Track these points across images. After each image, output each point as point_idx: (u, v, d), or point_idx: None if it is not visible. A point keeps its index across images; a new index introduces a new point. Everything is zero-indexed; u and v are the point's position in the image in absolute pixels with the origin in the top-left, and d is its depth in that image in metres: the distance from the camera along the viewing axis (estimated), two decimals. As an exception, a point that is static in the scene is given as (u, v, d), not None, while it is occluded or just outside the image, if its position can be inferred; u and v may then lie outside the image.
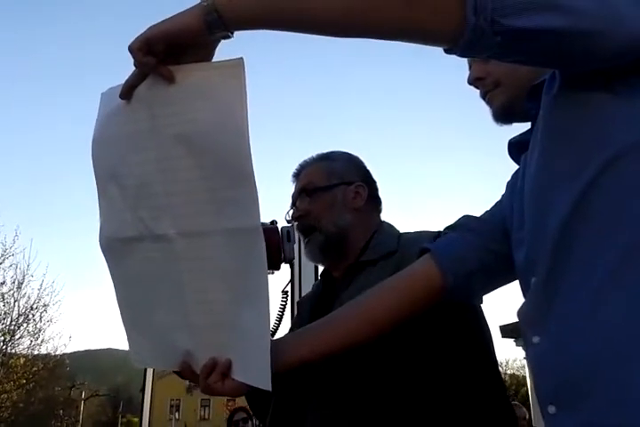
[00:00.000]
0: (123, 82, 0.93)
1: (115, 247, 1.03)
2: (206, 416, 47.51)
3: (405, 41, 0.83)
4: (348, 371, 1.16)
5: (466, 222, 1.17)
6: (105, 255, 1.06)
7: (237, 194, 0.90)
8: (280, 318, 1.46)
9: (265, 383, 0.91)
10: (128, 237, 0.99)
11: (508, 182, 1.14)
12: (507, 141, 1.09)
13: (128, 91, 0.93)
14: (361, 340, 1.07)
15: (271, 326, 1.35)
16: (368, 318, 1.07)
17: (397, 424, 1.11)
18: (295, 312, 1.54)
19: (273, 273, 1.36)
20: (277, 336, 1.41)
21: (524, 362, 13.58)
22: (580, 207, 0.80)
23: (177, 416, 36.82)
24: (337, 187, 1.41)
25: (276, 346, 0.99)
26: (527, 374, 13.06)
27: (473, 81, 1.08)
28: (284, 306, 1.45)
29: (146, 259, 0.99)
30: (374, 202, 1.47)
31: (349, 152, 1.52)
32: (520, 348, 13.18)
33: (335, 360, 1.07)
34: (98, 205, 1.04)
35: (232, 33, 0.86)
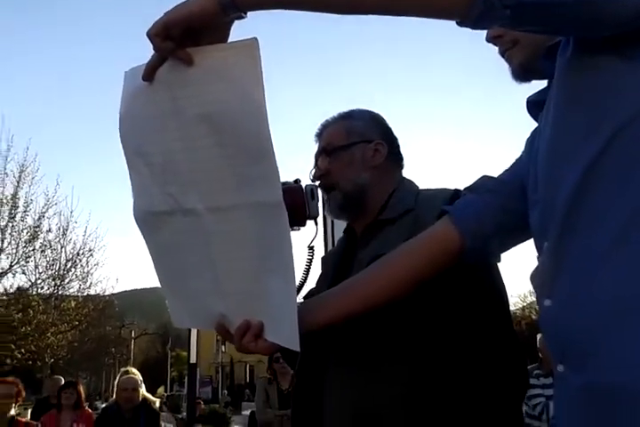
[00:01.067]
0: (145, 62, 0.97)
1: (148, 220, 1.10)
2: (251, 349, 49.40)
3: (417, 16, 0.84)
4: (367, 328, 1.22)
5: (484, 184, 1.19)
6: (140, 227, 1.13)
7: (258, 170, 0.94)
8: (307, 273, 1.51)
9: (294, 344, 0.98)
10: (160, 211, 1.06)
11: (528, 139, 1.14)
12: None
13: (150, 73, 0.97)
14: (382, 302, 1.13)
15: (298, 280, 1.41)
16: (388, 280, 1.12)
17: (411, 377, 1.17)
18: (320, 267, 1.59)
19: (299, 229, 1.41)
20: (305, 289, 1.48)
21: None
22: (591, 173, 0.82)
23: (223, 349, 38.29)
24: (356, 145, 1.42)
25: (303, 308, 1.06)
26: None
27: (491, 38, 1.07)
28: (311, 261, 1.50)
29: (177, 231, 1.06)
30: (395, 159, 1.47)
31: (370, 110, 1.52)
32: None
33: (355, 320, 1.13)
34: (130, 179, 1.10)
35: (245, 13, 0.89)
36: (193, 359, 11.50)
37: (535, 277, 0.94)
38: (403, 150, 1.51)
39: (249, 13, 0.90)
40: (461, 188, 1.25)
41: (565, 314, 0.84)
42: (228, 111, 0.93)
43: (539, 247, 0.94)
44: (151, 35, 0.90)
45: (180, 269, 1.11)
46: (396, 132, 1.51)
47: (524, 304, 28.16)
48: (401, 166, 1.50)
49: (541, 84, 1.06)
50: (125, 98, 1.06)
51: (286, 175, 1.31)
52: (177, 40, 0.91)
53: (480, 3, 0.76)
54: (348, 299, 1.13)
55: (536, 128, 1.09)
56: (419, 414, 1.15)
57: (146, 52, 0.95)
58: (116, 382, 5.20)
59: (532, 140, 1.08)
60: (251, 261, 1.01)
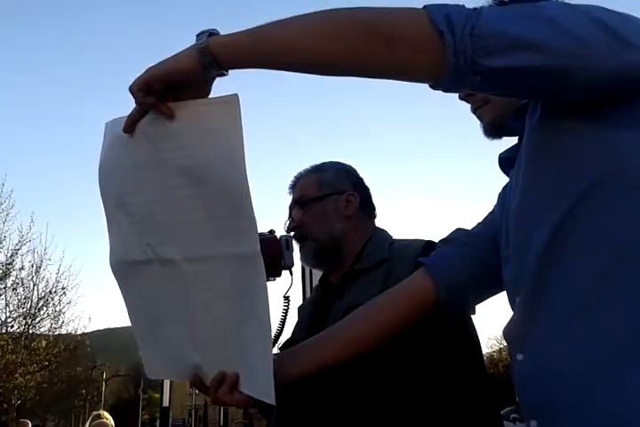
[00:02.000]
0: (126, 114, 0.99)
1: (124, 269, 1.10)
2: (226, 391, 48.29)
3: (393, 79, 0.88)
4: (343, 381, 1.21)
5: (458, 236, 1.21)
6: (115, 276, 1.13)
7: (237, 222, 0.95)
8: (283, 323, 1.51)
9: (269, 397, 0.97)
10: (137, 261, 1.06)
11: (500, 194, 1.17)
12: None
13: (130, 125, 0.98)
14: (357, 353, 1.13)
15: (274, 331, 1.41)
16: (364, 332, 1.13)
17: None
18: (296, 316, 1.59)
19: (275, 280, 1.41)
20: (281, 339, 1.47)
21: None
22: (559, 235, 0.84)
23: (197, 392, 37.38)
24: (328, 197, 1.46)
25: (279, 360, 1.05)
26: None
27: (464, 97, 1.11)
28: (287, 311, 1.49)
29: (154, 280, 1.06)
30: (367, 209, 1.51)
31: (342, 162, 1.56)
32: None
33: (331, 371, 1.13)
34: (107, 228, 1.11)
35: (227, 71, 0.92)
36: (166, 403, 11.29)
37: (508, 332, 0.95)
38: (380, 204, 1.55)
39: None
40: (436, 239, 1.27)
41: (536, 370, 0.85)
42: (209, 164, 0.95)
43: (512, 301, 0.95)
44: (133, 90, 0.93)
45: (155, 319, 1.11)
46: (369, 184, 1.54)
47: (501, 346, 28.08)
48: (373, 216, 1.53)
49: (513, 139, 1.09)
50: (106, 148, 1.07)
51: (260, 226, 1.37)
52: (159, 95, 0.94)
53: (451, 69, 0.79)
54: (324, 351, 1.13)
55: (507, 183, 1.11)
56: None
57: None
58: (87, 423, 5.04)
59: (504, 196, 1.11)
60: (227, 311, 1.01)
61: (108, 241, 1.12)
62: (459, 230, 1.23)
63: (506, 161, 1.09)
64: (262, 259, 0.95)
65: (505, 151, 1.11)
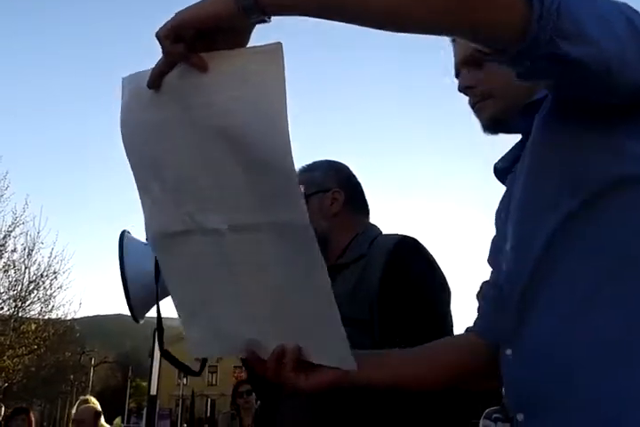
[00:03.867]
0: (147, 68, 0.87)
1: (164, 242, 1.01)
2: (214, 382, 48.44)
3: (456, 36, 0.83)
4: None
5: (487, 291, 1.16)
6: (155, 251, 1.05)
7: (280, 189, 0.86)
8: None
9: (348, 363, 0.91)
10: (176, 232, 0.97)
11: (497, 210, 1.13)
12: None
13: (156, 79, 0.86)
14: (428, 386, 1.09)
15: None
16: (434, 368, 1.08)
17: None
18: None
19: None
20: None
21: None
22: (561, 235, 0.84)
23: (185, 382, 37.56)
24: (314, 195, 1.48)
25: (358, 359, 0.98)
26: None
27: (464, 88, 1.07)
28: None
29: (197, 252, 0.97)
30: (355, 206, 1.53)
31: (334, 160, 1.59)
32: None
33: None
34: (140, 197, 1.01)
35: (269, 18, 0.80)
36: (153, 391, 11.22)
37: (490, 328, 0.97)
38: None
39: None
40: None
41: (525, 366, 0.85)
42: (247, 123, 0.84)
43: (504, 296, 0.94)
44: (160, 36, 0.80)
45: (201, 294, 1.02)
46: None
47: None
48: (364, 212, 1.55)
49: (505, 141, 1.08)
50: (127, 106, 0.96)
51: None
52: (189, 43, 0.81)
53: (530, 37, 0.72)
54: (404, 369, 1.07)
55: (503, 197, 1.10)
56: None
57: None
58: (73, 411, 5.02)
59: (499, 213, 1.08)
60: (281, 281, 0.93)
61: (141, 214, 1.02)
62: (484, 284, 1.19)
63: (501, 171, 1.08)
64: (312, 228, 0.86)
65: (500, 161, 1.09)
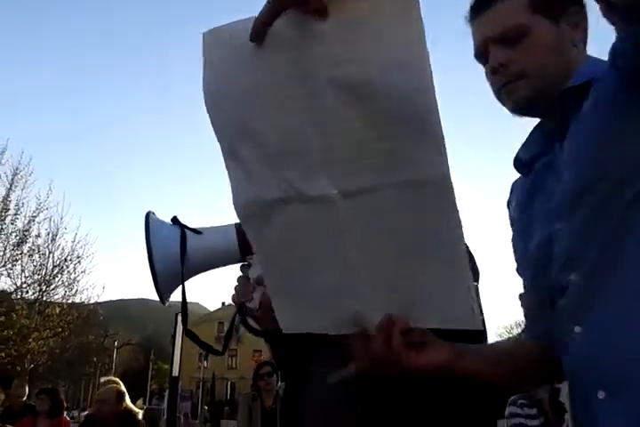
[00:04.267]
0: (231, 22, 0.80)
1: (255, 213, 0.92)
2: (234, 366, 48.87)
3: None
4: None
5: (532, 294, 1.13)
6: (244, 222, 0.95)
7: (418, 142, 0.77)
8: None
9: (475, 322, 0.85)
10: (271, 200, 0.88)
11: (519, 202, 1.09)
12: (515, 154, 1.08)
13: (261, 31, 0.76)
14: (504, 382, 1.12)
15: None
16: (520, 366, 1.08)
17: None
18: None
19: None
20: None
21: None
22: (625, 223, 0.82)
23: (205, 364, 37.94)
24: None
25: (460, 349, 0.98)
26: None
27: (498, 65, 0.99)
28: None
29: (295, 222, 0.89)
30: None
31: None
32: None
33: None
34: (226, 166, 0.92)
35: None
36: (175, 373, 11.40)
37: (560, 306, 0.92)
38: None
39: None
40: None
41: (601, 343, 0.83)
42: (379, 74, 0.75)
43: (558, 277, 0.91)
44: None
45: (298, 267, 0.94)
46: None
47: (510, 336, 28.20)
48: None
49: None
50: (213, 67, 0.86)
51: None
52: None
53: None
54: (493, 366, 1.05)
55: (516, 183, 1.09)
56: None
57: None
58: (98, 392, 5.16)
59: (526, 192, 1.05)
60: (409, 245, 0.85)
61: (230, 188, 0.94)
62: (524, 295, 1.17)
63: (526, 161, 1.04)
64: (451, 181, 0.77)
65: (523, 151, 1.05)
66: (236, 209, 0.93)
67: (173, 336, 11.61)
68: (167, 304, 1.38)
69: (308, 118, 0.81)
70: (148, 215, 1.28)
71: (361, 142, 0.79)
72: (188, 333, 1.34)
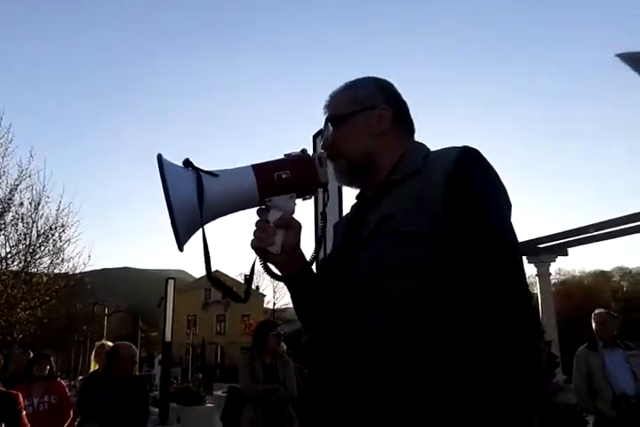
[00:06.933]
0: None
1: None
2: (222, 331, 49.35)
3: None
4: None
5: None
6: None
7: None
8: (320, 240, 1.50)
9: None
10: None
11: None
12: None
13: None
14: None
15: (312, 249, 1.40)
16: None
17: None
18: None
19: (311, 198, 1.39)
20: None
21: (536, 279, 14.00)
22: None
23: (194, 331, 38.26)
24: (360, 113, 1.42)
25: None
26: (538, 291, 13.39)
27: None
28: (324, 228, 1.48)
29: None
30: (402, 124, 1.46)
31: (377, 77, 1.50)
32: (532, 265, 13.50)
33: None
34: None
35: None
36: (168, 338, 11.47)
37: None
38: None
39: None
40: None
41: None
42: None
43: None
44: None
45: None
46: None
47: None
48: (411, 131, 1.48)
49: None
50: None
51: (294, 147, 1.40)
52: None
53: None
54: None
55: None
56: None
57: None
58: (93, 352, 5.56)
59: None
60: None
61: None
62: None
63: None
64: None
65: None
66: None
67: (165, 302, 11.61)
68: (181, 250, 1.28)
69: None
70: (160, 157, 1.23)
71: None
72: (215, 282, 1.34)
